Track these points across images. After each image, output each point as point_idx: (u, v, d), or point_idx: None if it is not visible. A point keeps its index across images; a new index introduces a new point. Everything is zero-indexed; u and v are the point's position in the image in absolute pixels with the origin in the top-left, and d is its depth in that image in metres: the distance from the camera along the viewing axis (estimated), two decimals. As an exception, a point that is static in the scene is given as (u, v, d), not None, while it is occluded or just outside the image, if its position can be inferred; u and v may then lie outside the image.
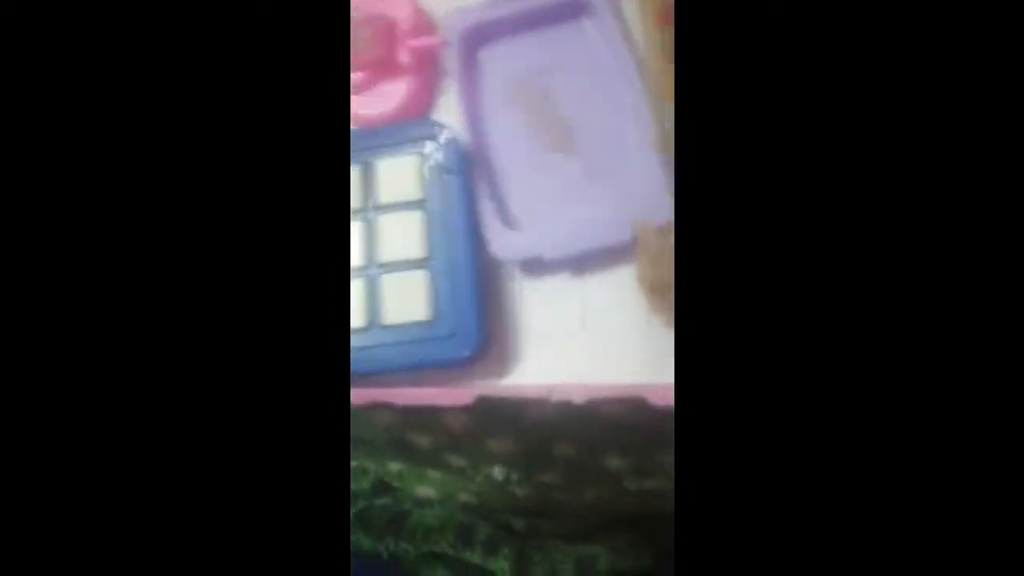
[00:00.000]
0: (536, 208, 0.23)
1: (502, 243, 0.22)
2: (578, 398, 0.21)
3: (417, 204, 0.23)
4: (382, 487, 0.35)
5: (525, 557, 0.34)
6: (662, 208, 0.22)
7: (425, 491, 0.32)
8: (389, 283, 0.22)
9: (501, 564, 0.33)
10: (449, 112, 0.23)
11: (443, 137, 0.23)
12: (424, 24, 0.25)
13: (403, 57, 0.23)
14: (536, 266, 0.23)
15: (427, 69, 0.24)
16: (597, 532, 0.34)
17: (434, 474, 0.31)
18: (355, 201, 0.21)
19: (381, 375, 0.23)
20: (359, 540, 0.35)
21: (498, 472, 0.28)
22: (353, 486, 0.36)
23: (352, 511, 0.35)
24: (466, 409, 0.26)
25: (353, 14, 0.18)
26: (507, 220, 0.23)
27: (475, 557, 0.34)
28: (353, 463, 0.35)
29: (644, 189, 0.23)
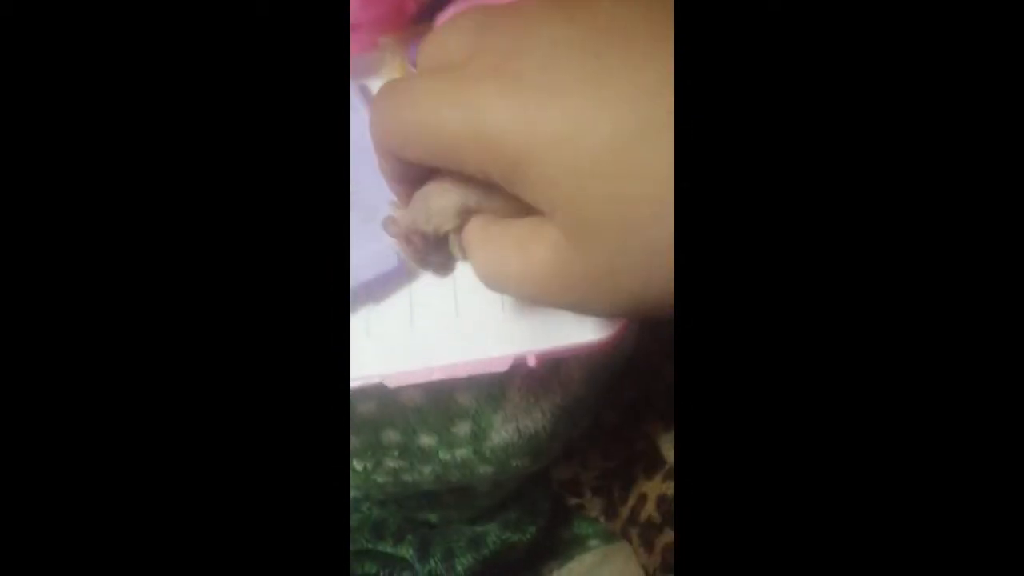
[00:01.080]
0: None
1: None
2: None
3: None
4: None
5: (427, 541, 0.39)
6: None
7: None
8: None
9: (408, 550, 0.39)
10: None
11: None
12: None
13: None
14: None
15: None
16: (492, 511, 0.39)
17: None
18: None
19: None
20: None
21: (357, 464, 0.34)
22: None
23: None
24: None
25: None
26: None
27: (387, 547, 0.40)
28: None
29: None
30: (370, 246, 0.30)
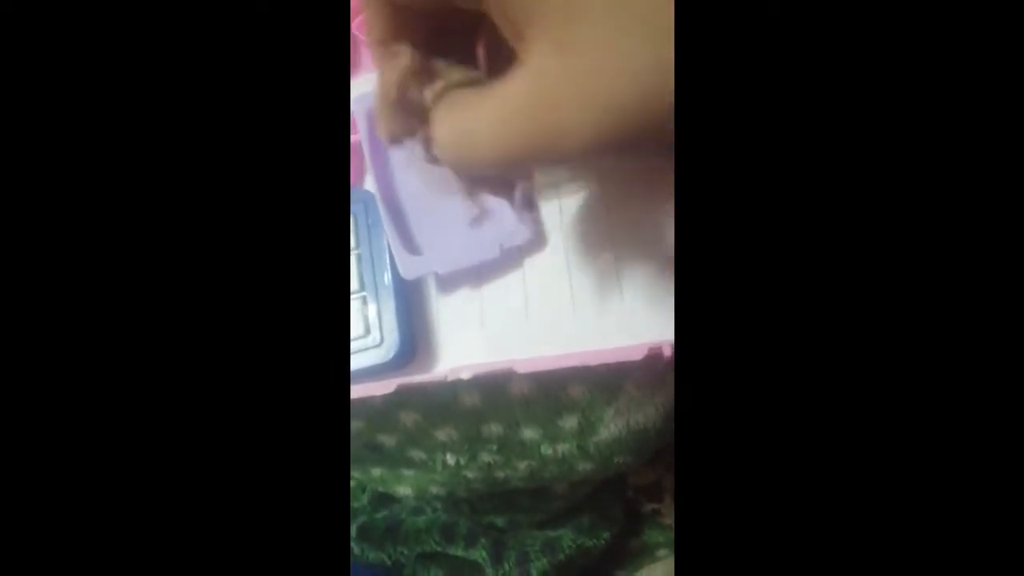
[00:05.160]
0: (433, 237, 0.31)
1: (408, 266, 0.29)
2: (466, 374, 0.28)
3: (352, 251, 0.31)
4: (379, 501, 0.42)
5: (501, 544, 0.39)
6: (523, 225, 0.30)
7: (405, 489, 0.38)
8: (333, 312, 0.30)
9: (480, 553, 0.39)
10: (372, 183, 0.32)
11: (369, 201, 0.31)
12: (352, 123, 0.35)
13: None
14: (439, 281, 0.31)
15: (355, 155, 0.33)
16: (563, 517, 0.39)
17: (407, 472, 0.37)
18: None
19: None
20: (364, 552, 0.41)
21: (450, 459, 0.34)
22: (355, 503, 0.42)
23: (355, 526, 0.41)
24: (410, 407, 0.32)
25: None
26: (411, 248, 0.30)
27: (459, 551, 0.39)
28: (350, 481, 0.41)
29: (509, 212, 0.30)
30: (475, 233, 0.31)
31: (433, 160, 0.20)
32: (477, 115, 0.16)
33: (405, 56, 0.17)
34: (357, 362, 0.29)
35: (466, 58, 0.19)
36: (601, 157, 0.15)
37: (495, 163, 0.17)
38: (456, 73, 0.18)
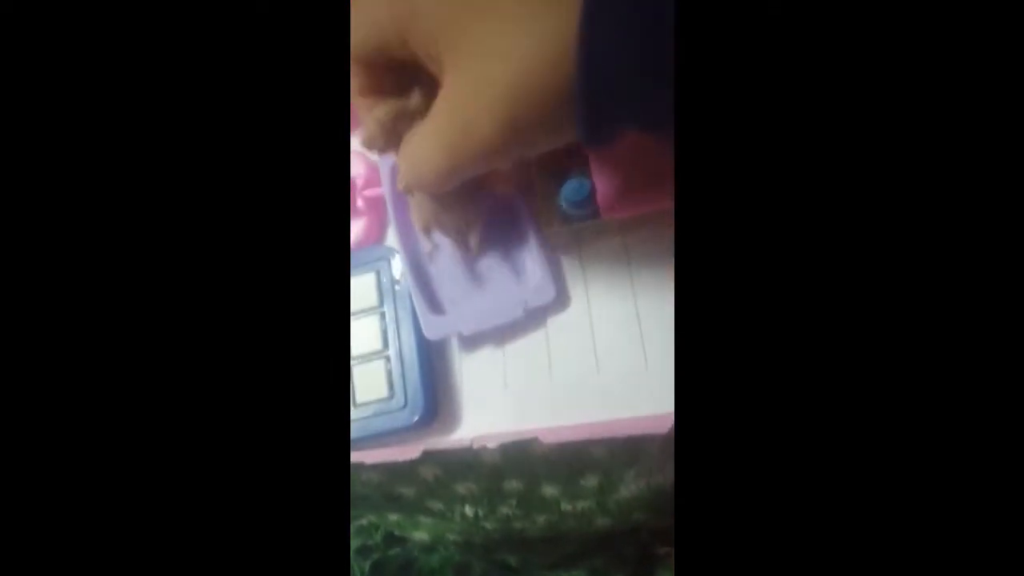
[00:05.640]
0: (456, 295, 0.31)
1: (431, 326, 0.30)
2: (492, 443, 0.28)
3: (375, 309, 0.31)
4: (392, 539, 0.42)
5: (515, 587, 0.39)
6: (547, 285, 0.30)
7: (421, 535, 0.39)
8: (358, 372, 0.31)
9: (495, 596, 0.39)
10: (395, 238, 0.32)
11: (391, 258, 0.32)
12: (374, 177, 0.35)
13: (359, 203, 0.33)
14: (463, 341, 0.31)
15: (378, 210, 0.33)
16: (577, 558, 0.39)
17: (425, 519, 0.37)
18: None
19: (357, 442, 0.30)
20: (378, 589, 0.41)
21: (468, 510, 0.34)
22: (368, 541, 0.43)
23: (368, 562, 0.41)
24: (431, 462, 0.33)
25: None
26: (435, 308, 0.30)
27: (472, 592, 0.40)
28: (363, 521, 0.42)
29: (532, 272, 0.31)
30: (495, 294, 0.31)
31: (406, 190, 0.23)
32: (415, 142, 0.20)
33: (387, 104, 0.21)
34: (380, 424, 0.29)
35: (419, 95, 0.22)
36: (515, 145, 0.17)
37: (437, 180, 0.20)
38: (410, 109, 0.21)
